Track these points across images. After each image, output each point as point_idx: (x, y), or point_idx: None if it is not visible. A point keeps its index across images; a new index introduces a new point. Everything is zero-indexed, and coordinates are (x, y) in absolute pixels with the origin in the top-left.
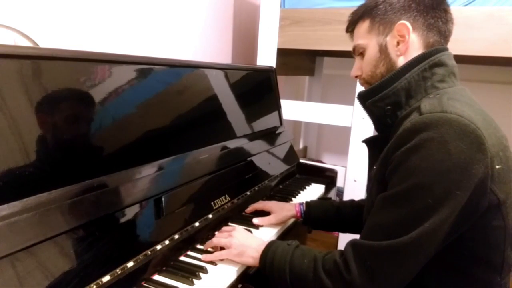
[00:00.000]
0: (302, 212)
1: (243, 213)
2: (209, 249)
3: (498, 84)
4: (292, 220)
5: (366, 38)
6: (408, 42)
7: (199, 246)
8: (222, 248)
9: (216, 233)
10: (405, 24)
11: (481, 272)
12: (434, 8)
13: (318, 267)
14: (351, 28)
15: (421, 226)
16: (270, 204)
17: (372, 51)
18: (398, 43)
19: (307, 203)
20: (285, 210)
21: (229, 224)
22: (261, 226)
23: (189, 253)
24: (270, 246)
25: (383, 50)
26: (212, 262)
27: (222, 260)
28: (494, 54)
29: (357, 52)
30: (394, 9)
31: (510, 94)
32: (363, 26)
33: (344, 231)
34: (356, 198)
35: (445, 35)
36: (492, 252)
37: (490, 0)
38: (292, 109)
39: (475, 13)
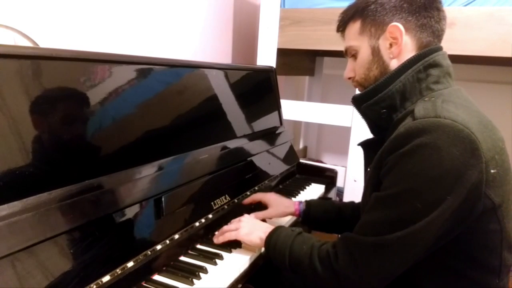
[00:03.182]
0: (302, 211)
1: (242, 204)
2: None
3: (498, 84)
4: (289, 218)
5: (358, 40)
6: (401, 45)
7: (199, 246)
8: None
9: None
10: (397, 26)
11: (479, 274)
12: (427, 8)
13: (313, 255)
14: (341, 28)
15: (407, 227)
16: (268, 196)
17: (364, 53)
18: (391, 45)
19: (307, 202)
20: (283, 206)
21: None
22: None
23: (189, 252)
24: (275, 230)
25: (375, 52)
26: (212, 261)
27: (231, 246)
28: (494, 54)
29: (350, 54)
30: (385, 9)
31: (510, 94)
32: (354, 27)
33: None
34: (356, 198)
35: (438, 34)
36: (489, 254)
37: (490, 0)
38: (292, 109)
39: (475, 13)
